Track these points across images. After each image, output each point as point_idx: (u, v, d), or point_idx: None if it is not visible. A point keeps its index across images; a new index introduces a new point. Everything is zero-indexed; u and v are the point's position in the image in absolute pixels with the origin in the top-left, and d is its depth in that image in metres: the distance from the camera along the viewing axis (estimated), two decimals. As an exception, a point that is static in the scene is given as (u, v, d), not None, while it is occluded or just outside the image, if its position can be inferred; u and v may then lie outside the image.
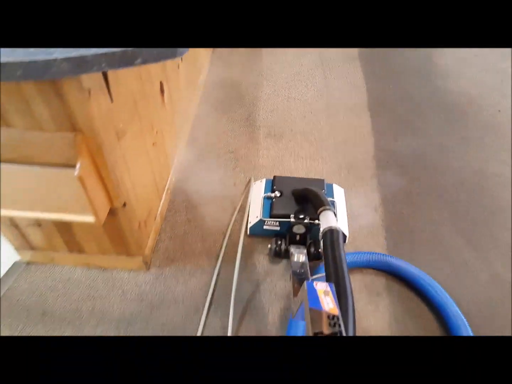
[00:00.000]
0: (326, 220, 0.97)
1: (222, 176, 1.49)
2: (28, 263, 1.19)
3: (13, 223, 1.04)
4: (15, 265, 1.18)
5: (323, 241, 0.91)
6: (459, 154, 1.63)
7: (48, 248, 1.13)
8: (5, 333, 1.03)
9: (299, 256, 1.11)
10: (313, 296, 0.68)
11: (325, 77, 2.01)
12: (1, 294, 1.12)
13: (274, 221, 1.23)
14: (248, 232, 1.29)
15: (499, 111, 1.81)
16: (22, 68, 0.57)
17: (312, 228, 1.20)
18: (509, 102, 1.87)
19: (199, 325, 1.07)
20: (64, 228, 1.03)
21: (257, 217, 1.25)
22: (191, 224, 1.33)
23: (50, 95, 0.72)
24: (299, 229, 1.19)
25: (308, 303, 0.66)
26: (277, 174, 1.43)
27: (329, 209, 1.02)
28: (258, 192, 1.35)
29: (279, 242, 1.21)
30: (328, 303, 0.66)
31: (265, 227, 1.25)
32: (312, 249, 1.18)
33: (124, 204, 0.97)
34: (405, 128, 1.74)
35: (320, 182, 1.32)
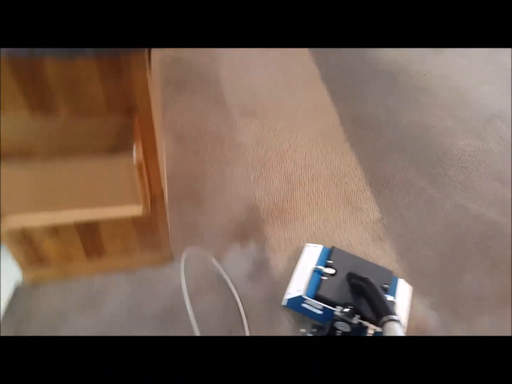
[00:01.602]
0: (391, 332, 0.80)
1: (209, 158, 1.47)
2: (35, 285, 1.05)
3: (26, 236, 0.90)
4: (18, 290, 1.02)
5: None
6: (402, 112, 1.87)
7: (63, 259, 1.01)
8: None
9: None
10: None
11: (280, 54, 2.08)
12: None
13: (317, 304, 1.04)
14: (283, 304, 1.11)
15: (424, 75, 2.10)
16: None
17: (359, 330, 0.97)
18: (431, 67, 2.18)
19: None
20: (89, 229, 0.94)
21: (298, 291, 1.07)
22: (199, 210, 1.30)
23: (111, 73, 0.66)
24: (343, 327, 0.95)
25: None
26: (261, 151, 1.47)
27: (396, 321, 0.82)
28: (309, 259, 1.15)
29: (317, 331, 1.00)
30: None
31: (304, 305, 1.06)
32: None
33: (161, 192, 0.92)
34: (354, 95, 1.91)
35: (387, 273, 1.11)
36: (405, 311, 1.09)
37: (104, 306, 1.05)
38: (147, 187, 0.86)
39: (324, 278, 1.06)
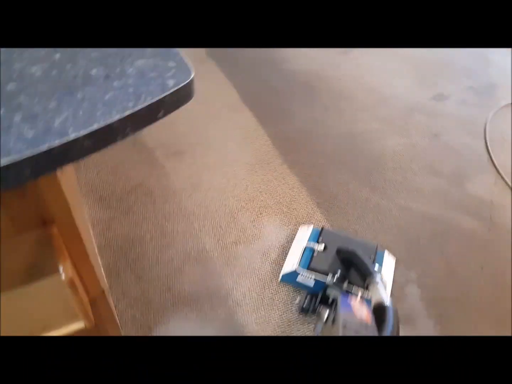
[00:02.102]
0: (377, 294, 0.90)
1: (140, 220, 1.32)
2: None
3: None
4: None
5: (374, 314, 0.83)
6: (329, 123, 1.87)
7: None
8: None
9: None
10: (345, 302, 0.68)
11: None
12: None
13: (309, 275, 1.14)
14: (279, 279, 1.22)
15: (339, 79, 2.13)
16: (33, 163, 0.39)
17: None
18: (344, 70, 2.22)
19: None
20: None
21: (293, 265, 1.17)
22: (144, 280, 1.15)
23: (9, 193, 0.51)
24: (333, 293, 1.07)
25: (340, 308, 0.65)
26: (199, 194, 1.35)
27: (379, 282, 0.94)
28: (302, 238, 1.27)
29: (309, 299, 1.12)
30: (362, 313, 0.66)
31: (299, 278, 1.17)
32: None
33: (103, 290, 0.78)
34: (280, 113, 1.87)
35: (372, 247, 1.23)
36: (389, 279, 1.22)
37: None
38: (84, 297, 0.70)
39: (315, 253, 1.18)
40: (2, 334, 0.64)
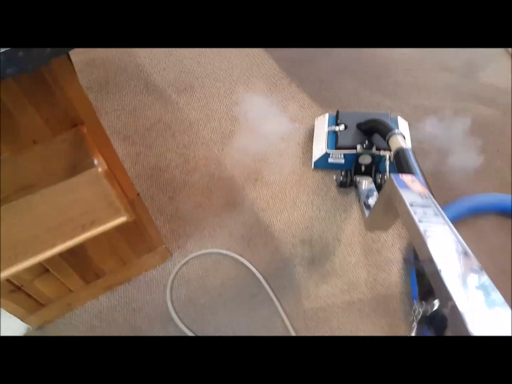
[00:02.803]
0: (396, 143, 0.99)
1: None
2: (41, 327, 1.03)
3: (16, 286, 0.87)
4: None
5: (395, 161, 0.95)
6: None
7: (62, 294, 0.99)
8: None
9: (366, 183, 1.16)
10: (400, 182, 0.69)
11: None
12: None
13: (339, 153, 1.26)
14: (312, 166, 1.34)
15: None
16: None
17: (379, 160, 1.23)
18: None
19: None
20: (77, 257, 0.92)
21: (322, 150, 1.29)
22: (176, 199, 1.29)
23: (39, 92, 0.62)
24: (365, 159, 1.21)
25: (396, 185, 0.67)
26: (214, 123, 1.43)
27: (398, 133, 1.03)
28: (321, 126, 1.38)
29: (344, 173, 1.24)
30: (417, 187, 0.68)
31: (330, 160, 1.29)
32: (379, 180, 1.22)
33: (138, 194, 0.91)
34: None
35: (385, 115, 1.31)
36: (408, 138, 1.33)
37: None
38: (122, 194, 0.84)
39: (339, 133, 1.28)
40: (59, 228, 0.77)
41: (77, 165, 0.71)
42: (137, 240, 1.00)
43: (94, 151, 0.73)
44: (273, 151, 1.42)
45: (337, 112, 1.36)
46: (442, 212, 0.61)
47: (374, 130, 1.21)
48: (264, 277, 1.12)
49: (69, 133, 0.69)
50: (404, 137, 1.04)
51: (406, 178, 0.72)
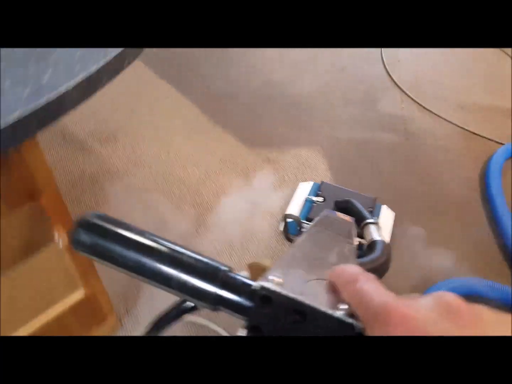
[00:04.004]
0: (369, 234, 0.91)
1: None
2: None
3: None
4: None
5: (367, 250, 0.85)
6: (243, 78, 1.99)
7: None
8: None
9: None
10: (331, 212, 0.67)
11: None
12: None
13: (308, 224, 1.22)
14: (280, 229, 1.32)
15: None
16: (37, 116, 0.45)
17: None
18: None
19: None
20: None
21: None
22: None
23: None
24: None
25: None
26: (144, 171, 1.40)
27: (373, 223, 0.94)
28: (302, 193, 1.36)
29: None
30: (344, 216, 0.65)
31: (298, 228, 1.26)
32: None
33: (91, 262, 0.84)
34: (199, 78, 1.94)
35: (369, 199, 1.29)
36: (388, 231, 1.30)
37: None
38: (80, 267, 0.77)
39: (314, 204, 1.28)
40: (6, 317, 0.67)
41: (36, 240, 0.64)
42: (87, 314, 0.91)
43: (54, 223, 0.67)
44: (213, 197, 1.43)
45: (321, 183, 1.38)
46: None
47: (349, 213, 1.11)
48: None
49: (26, 206, 0.62)
50: (378, 227, 0.97)
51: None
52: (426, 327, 0.19)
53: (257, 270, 0.35)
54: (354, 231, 0.53)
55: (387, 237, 1.27)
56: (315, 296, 0.26)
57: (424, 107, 1.91)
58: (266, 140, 1.67)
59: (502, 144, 1.75)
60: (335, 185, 1.39)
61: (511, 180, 1.59)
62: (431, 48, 2.35)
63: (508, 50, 2.41)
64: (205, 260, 0.29)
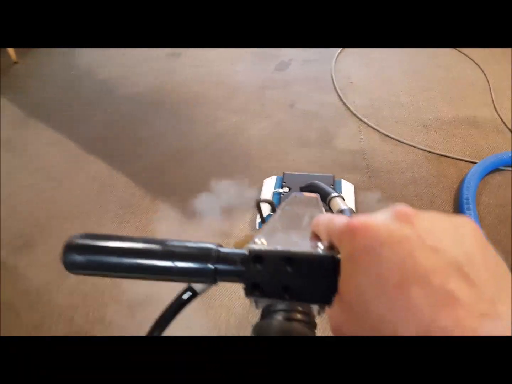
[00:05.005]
0: (336, 205, 1.01)
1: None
2: None
3: None
4: None
5: None
6: (190, 135, 1.80)
7: None
8: None
9: None
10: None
11: None
12: None
13: None
14: (257, 227, 1.39)
15: (181, 85, 2.06)
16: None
17: None
18: (182, 74, 2.14)
19: None
20: None
21: (265, 212, 1.31)
22: None
23: None
24: None
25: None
26: (70, 281, 1.19)
27: (337, 196, 1.05)
28: (268, 188, 1.45)
29: None
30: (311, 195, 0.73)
31: None
32: None
33: None
34: (136, 144, 1.75)
35: (329, 177, 1.39)
36: (352, 201, 1.44)
37: None
38: None
39: (282, 195, 1.38)
40: None
41: None
42: None
43: None
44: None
45: (283, 174, 1.46)
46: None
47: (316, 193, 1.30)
48: None
49: None
50: (343, 199, 1.14)
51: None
52: (382, 229, 0.22)
53: (243, 244, 0.37)
54: (321, 203, 0.62)
55: (352, 206, 1.39)
56: (298, 247, 0.28)
57: (385, 134, 1.74)
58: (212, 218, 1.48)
59: (472, 162, 1.58)
60: (297, 173, 1.48)
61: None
62: (384, 61, 2.20)
63: (464, 49, 2.27)
64: (194, 245, 0.32)
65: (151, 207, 1.47)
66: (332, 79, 2.06)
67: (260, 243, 0.29)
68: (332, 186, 1.32)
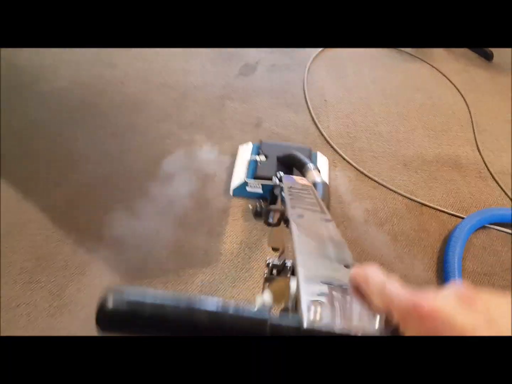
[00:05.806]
0: (310, 177, 1.05)
1: None
2: None
3: None
4: None
5: None
6: (128, 156, 1.45)
7: None
8: None
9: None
10: (289, 178, 0.78)
11: None
12: None
13: (257, 183, 1.29)
14: (231, 194, 1.34)
15: (122, 84, 1.67)
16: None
17: None
18: (124, 71, 1.75)
19: None
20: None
21: (240, 178, 1.31)
22: None
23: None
24: (279, 191, 1.24)
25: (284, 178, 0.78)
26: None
27: (312, 168, 1.09)
28: (244, 155, 1.41)
29: (260, 204, 1.17)
30: (302, 181, 0.75)
31: (248, 189, 1.31)
32: None
33: None
34: (61, 165, 1.37)
35: (306, 150, 1.39)
36: (326, 174, 1.43)
37: None
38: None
39: (259, 164, 1.33)
40: None
41: None
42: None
43: None
44: None
45: (260, 141, 1.42)
46: (321, 202, 0.62)
47: (292, 165, 1.29)
48: None
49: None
50: (319, 171, 1.12)
51: (296, 177, 0.79)
52: (451, 317, 0.22)
53: (277, 288, 0.39)
54: (317, 193, 0.67)
55: (325, 178, 1.39)
56: (347, 308, 0.28)
57: (363, 173, 1.52)
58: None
59: (455, 216, 1.42)
60: (274, 142, 1.46)
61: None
62: (359, 76, 1.96)
63: (444, 71, 2.10)
64: (246, 315, 0.29)
65: (74, 260, 1.14)
66: (304, 94, 1.79)
67: (315, 307, 0.28)
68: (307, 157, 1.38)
